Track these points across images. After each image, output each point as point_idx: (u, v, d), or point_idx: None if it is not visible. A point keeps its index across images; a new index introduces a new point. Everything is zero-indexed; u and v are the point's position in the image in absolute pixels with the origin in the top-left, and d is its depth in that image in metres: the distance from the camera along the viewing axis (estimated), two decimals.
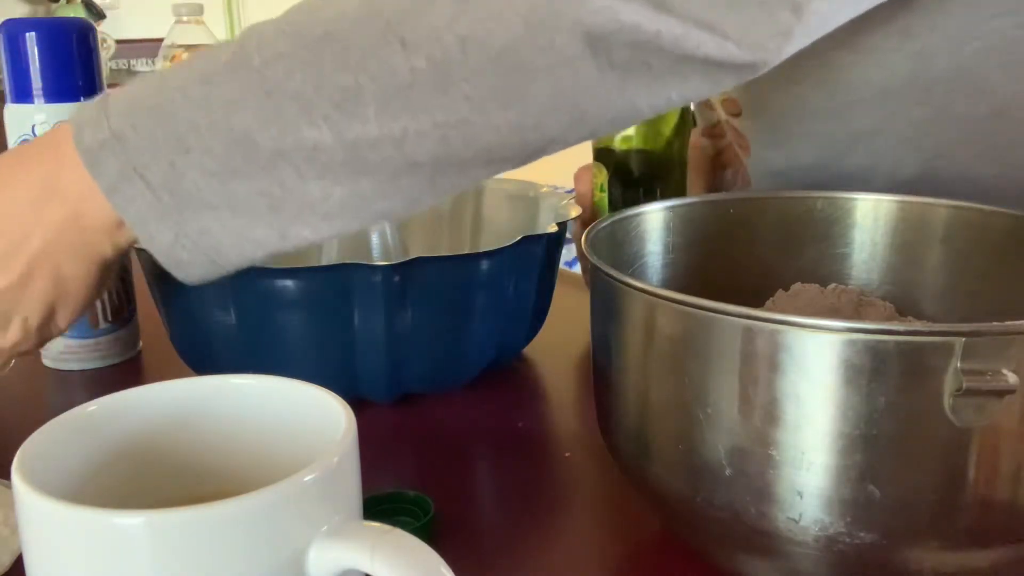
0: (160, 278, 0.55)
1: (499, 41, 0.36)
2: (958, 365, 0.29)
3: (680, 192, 0.64)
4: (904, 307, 0.47)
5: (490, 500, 0.45)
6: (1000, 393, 0.29)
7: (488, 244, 0.69)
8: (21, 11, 2.96)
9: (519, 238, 0.53)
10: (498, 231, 0.69)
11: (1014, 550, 0.32)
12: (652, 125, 0.63)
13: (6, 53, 0.58)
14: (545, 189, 0.67)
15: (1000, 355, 0.29)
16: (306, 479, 0.25)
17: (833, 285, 0.47)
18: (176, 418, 0.31)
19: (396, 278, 0.49)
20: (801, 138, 0.58)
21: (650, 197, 0.63)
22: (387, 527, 0.26)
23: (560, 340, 0.64)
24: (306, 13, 0.39)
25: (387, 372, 0.52)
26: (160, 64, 0.91)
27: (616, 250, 0.44)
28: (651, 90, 0.37)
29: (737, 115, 0.64)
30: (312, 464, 0.26)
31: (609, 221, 0.44)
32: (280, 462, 0.29)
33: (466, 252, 0.54)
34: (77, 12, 2.94)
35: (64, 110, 0.58)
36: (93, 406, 0.30)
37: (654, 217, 0.47)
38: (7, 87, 0.58)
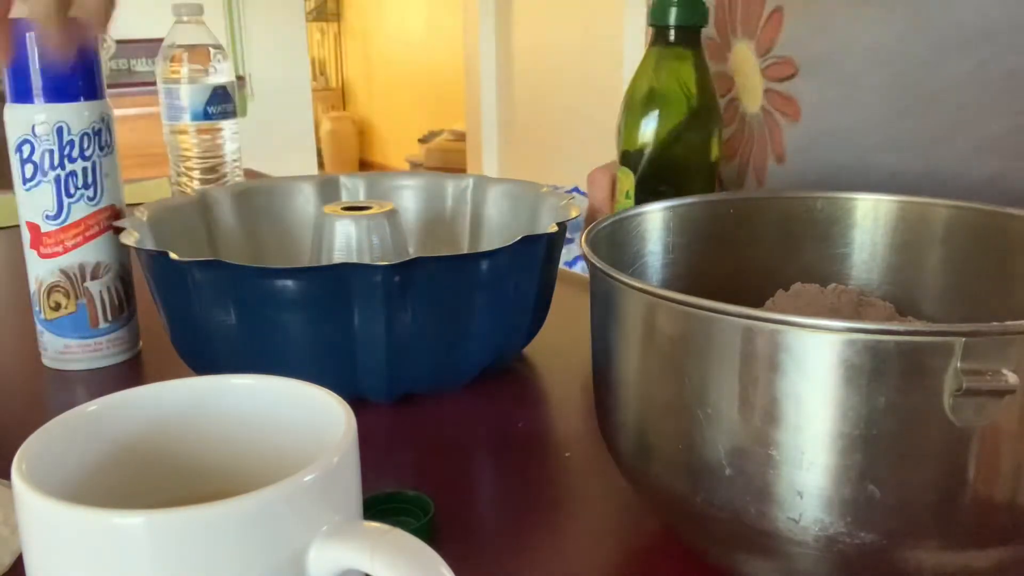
0: (159, 279, 0.55)
1: None
2: (958, 365, 0.29)
3: (710, 189, 0.62)
4: (904, 307, 0.47)
5: (490, 500, 0.45)
6: (1000, 393, 0.29)
7: (488, 244, 0.69)
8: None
9: (519, 238, 0.53)
10: (498, 231, 0.69)
11: (1014, 550, 0.32)
12: (676, 131, 0.61)
13: None
14: (545, 189, 0.67)
15: (1000, 355, 0.29)
16: (306, 479, 0.25)
17: (833, 285, 0.47)
18: (176, 418, 0.31)
19: (396, 278, 0.49)
20: (873, 91, 0.56)
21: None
22: (387, 527, 0.26)
23: (560, 340, 0.64)
24: None
25: (387, 372, 0.52)
26: (160, 64, 0.91)
27: (616, 250, 0.44)
28: None
29: (788, 78, 0.61)
30: (312, 464, 0.26)
31: (609, 221, 0.44)
32: (280, 462, 0.29)
33: (466, 252, 0.54)
34: None
35: (64, 110, 0.58)
36: (93, 406, 0.30)
37: (654, 217, 0.47)
38: (7, 87, 0.58)
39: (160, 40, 0.92)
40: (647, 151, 0.60)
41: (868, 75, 0.56)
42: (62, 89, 0.58)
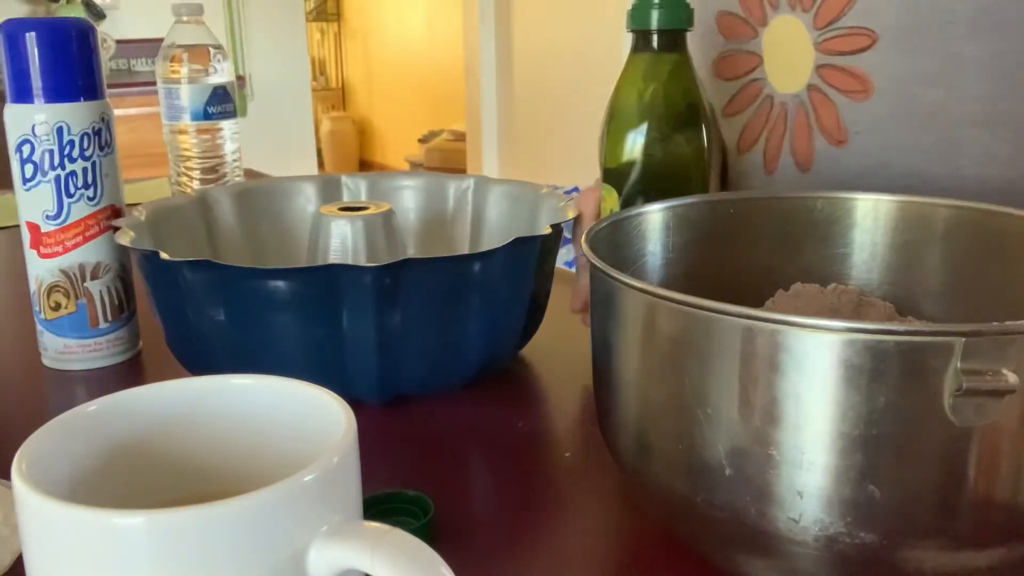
0: (151, 278, 0.55)
1: None
2: (958, 365, 0.29)
3: None
4: (904, 307, 0.47)
5: (490, 500, 0.45)
6: (1000, 393, 0.29)
7: (488, 245, 0.69)
8: (21, 11, 2.96)
9: (512, 239, 0.53)
10: (499, 232, 0.69)
11: (1014, 550, 0.32)
12: (667, 144, 0.56)
13: (6, 53, 0.58)
14: (545, 190, 0.67)
15: (1000, 355, 0.29)
16: (306, 479, 0.25)
17: (833, 285, 0.47)
18: (176, 418, 0.31)
19: (386, 279, 0.49)
20: (973, 63, 0.53)
21: None
22: (387, 527, 0.26)
23: (560, 340, 0.64)
24: None
25: (379, 374, 0.52)
26: (160, 64, 0.91)
27: (616, 250, 0.44)
28: None
29: (860, 51, 0.57)
30: (312, 464, 0.26)
31: (609, 221, 0.44)
32: (280, 462, 0.29)
33: (464, 253, 0.54)
34: (77, 12, 2.94)
35: (64, 110, 0.58)
36: (93, 406, 0.30)
37: (654, 217, 0.47)
38: (7, 87, 0.58)
39: (160, 40, 0.92)
40: (635, 167, 0.56)
41: (967, 44, 0.53)
42: (62, 89, 0.58)
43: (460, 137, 4.53)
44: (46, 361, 0.63)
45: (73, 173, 0.59)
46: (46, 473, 0.26)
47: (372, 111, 5.94)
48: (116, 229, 0.57)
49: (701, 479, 0.34)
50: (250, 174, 1.14)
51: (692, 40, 0.59)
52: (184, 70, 0.90)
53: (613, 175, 0.57)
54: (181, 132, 0.92)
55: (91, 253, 0.61)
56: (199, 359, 0.55)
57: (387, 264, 0.48)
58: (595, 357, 0.40)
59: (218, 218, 0.68)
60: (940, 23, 0.53)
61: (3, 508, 0.41)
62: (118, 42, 3.16)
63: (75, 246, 0.60)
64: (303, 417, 0.30)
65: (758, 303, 0.47)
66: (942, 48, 0.54)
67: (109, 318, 0.62)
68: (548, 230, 0.55)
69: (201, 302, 0.52)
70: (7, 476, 0.26)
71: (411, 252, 0.70)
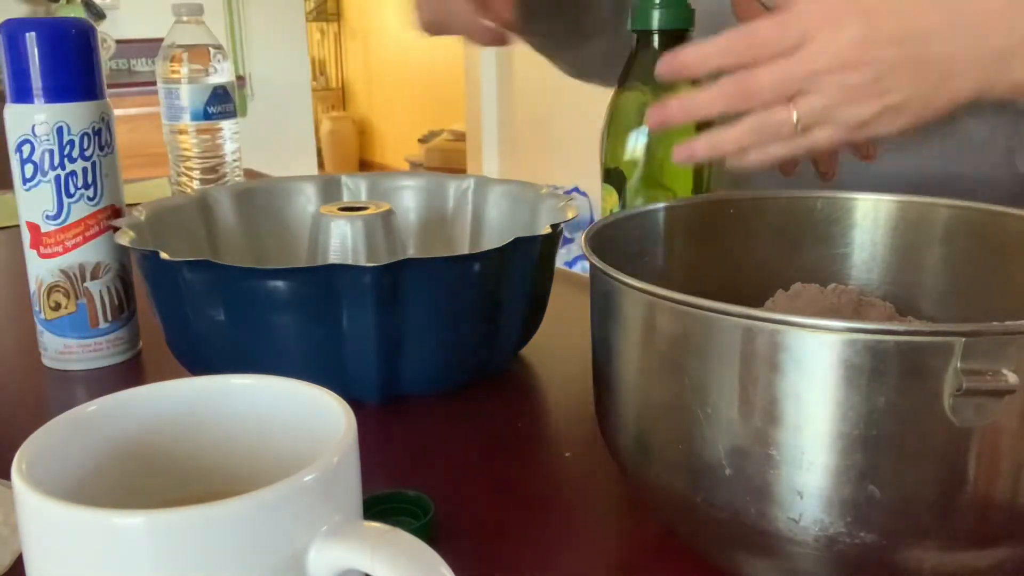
0: (151, 278, 0.55)
1: None
2: (958, 365, 0.29)
3: None
4: (904, 307, 0.47)
5: (490, 500, 0.45)
6: (1000, 393, 0.29)
7: (488, 245, 0.69)
8: (21, 11, 2.96)
9: (511, 240, 0.53)
10: (498, 232, 0.69)
11: (1014, 550, 0.32)
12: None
13: (6, 53, 0.58)
14: (545, 190, 0.67)
15: (1000, 355, 0.29)
16: (306, 479, 0.25)
17: (833, 285, 0.47)
18: (176, 418, 0.31)
19: (386, 279, 0.49)
20: None
21: None
22: (387, 527, 0.26)
23: (559, 340, 0.64)
24: None
25: (378, 374, 0.52)
26: (160, 64, 0.91)
27: (616, 250, 0.44)
28: None
29: None
30: (312, 464, 0.26)
31: (609, 221, 0.44)
32: (280, 462, 0.29)
33: (464, 253, 0.54)
34: (77, 12, 2.94)
35: (64, 110, 0.58)
36: (93, 406, 0.30)
37: (654, 217, 0.47)
38: (7, 87, 0.58)
39: (160, 40, 0.92)
40: (635, 167, 0.56)
41: None
42: (62, 89, 0.58)
43: (460, 137, 4.52)
44: (46, 361, 0.63)
45: (73, 173, 0.59)
46: (46, 473, 0.26)
47: (372, 111, 5.94)
48: (116, 229, 0.57)
49: (701, 479, 0.34)
50: (250, 174, 1.14)
51: (709, 17, 0.57)
52: (184, 70, 0.90)
53: (613, 175, 0.57)
54: (181, 132, 0.92)
55: (91, 253, 0.61)
56: (199, 359, 0.55)
57: (387, 264, 0.48)
58: (595, 357, 0.40)
59: (218, 218, 0.68)
60: None
61: (3, 508, 0.41)
62: (118, 42, 3.16)
63: (75, 246, 0.60)
64: (303, 417, 0.30)
65: (758, 303, 0.47)
66: None
67: (109, 318, 0.62)
68: (548, 230, 0.55)
69: (201, 302, 0.52)
70: (7, 476, 0.26)
71: (411, 252, 0.70)
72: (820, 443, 0.31)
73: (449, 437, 0.52)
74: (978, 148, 0.59)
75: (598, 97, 0.66)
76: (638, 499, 0.43)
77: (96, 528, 0.24)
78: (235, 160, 0.95)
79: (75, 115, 0.58)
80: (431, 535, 0.40)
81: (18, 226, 0.60)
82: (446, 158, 4.69)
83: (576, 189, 3.32)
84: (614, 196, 0.57)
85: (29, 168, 0.58)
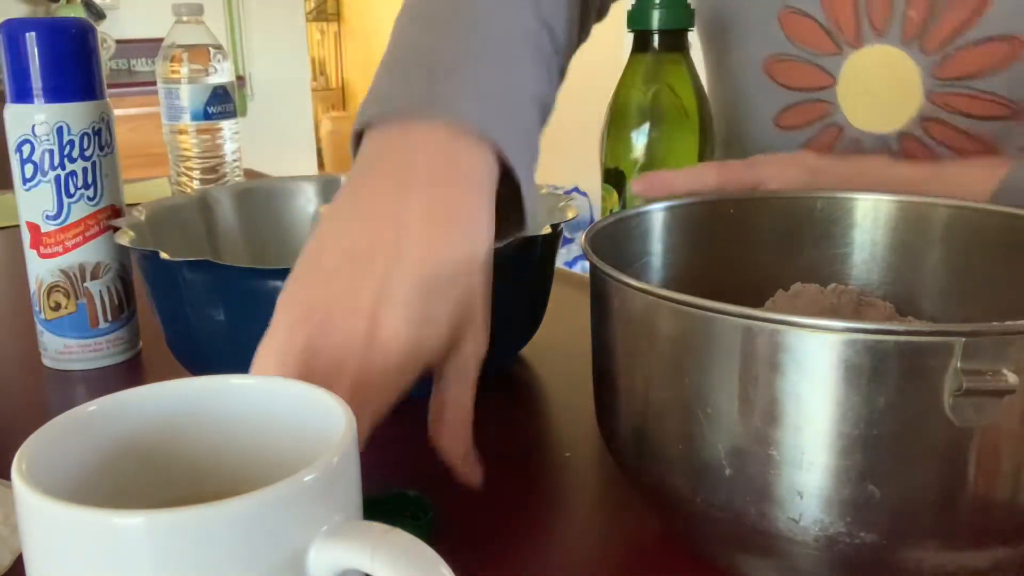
0: (151, 278, 0.55)
1: None
2: (958, 365, 0.29)
3: None
4: (904, 307, 0.47)
5: (490, 500, 0.45)
6: (1000, 393, 0.29)
7: None
8: (21, 11, 2.96)
9: (510, 239, 0.52)
10: None
11: (1014, 550, 0.32)
12: (668, 144, 0.56)
13: (6, 53, 0.58)
14: (545, 190, 0.67)
15: (1000, 355, 0.29)
16: (306, 479, 0.25)
17: (833, 285, 0.47)
18: (176, 418, 0.31)
19: None
20: None
21: None
22: (387, 527, 0.26)
23: (560, 340, 0.64)
24: None
25: None
26: (160, 64, 0.91)
27: (616, 250, 0.44)
28: None
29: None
30: (312, 464, 0.26)
31: (609, 221, 0.44)
32: (280, 462, 0.29)
33: None
34: (77, 12, 2.94)
35: (64, 110, 0.58)
36: (93, 406, 0.30)
37: (654, 217, 0.47)
38: (7, 87, 0.58)
39: (160, 40, 0.92)
40: (635, 167, 0.56)
41: None
42: (62, 89, 0.58)
43: None
44: (46, 361, 0.63)
45: (73, 173, 0.59)
46: (46, 473, 0.26)
47: None
48: (116, 229, 0.57)
49: (701, 479, 0.34)
50: (250, 174, 1.14)
51: (739, 22, 0.56)
52: (184, 70, 0.90)
53: (613, 175, 0.57)
54: (181, 132, 0.92)
55: (91, 253, 0.61)
56: (199, 359, 0.55)
57: None
58: (595, 357, 0.40)
59: (218, 218, 0.68)
60: None
61: (3, 508, 0.41)
62: (118, 42, 3.16)
63: (75, 246, 0.60)
64: (303, 417, 0.30)
65: (758, 303, 0.47)
66: None
67: (109, 318, 0.62)
68: (548, 230, 0.55)
69: (201, 302, 0.52)
70: (7, 476, 0.26)
71: None
72: (820, 443, 0.31)
73: None
74: None
75: (598, 97, 0.66)
76: (638, 499, 0.43)
77: (96, 528, 0.24)
78: (235, 160, 0.95)
79: (75, 115, 0.58)
80: (431, 535, 0.40)
81: (18, 226, 0.61)
82: None
83: (576, 189, 3.32)
84: (614, 196, 0.57)
85: (29, 168, 0.58)
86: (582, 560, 0.40)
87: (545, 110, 0.47)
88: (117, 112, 0.63)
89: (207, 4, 0.92)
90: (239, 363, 0.51)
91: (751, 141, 0.64)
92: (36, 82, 0.57)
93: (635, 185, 0.49)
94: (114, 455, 0.30)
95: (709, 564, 0.38)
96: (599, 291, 0.39)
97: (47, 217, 0.59)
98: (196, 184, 0.93)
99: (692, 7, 0.56)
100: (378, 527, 0.26)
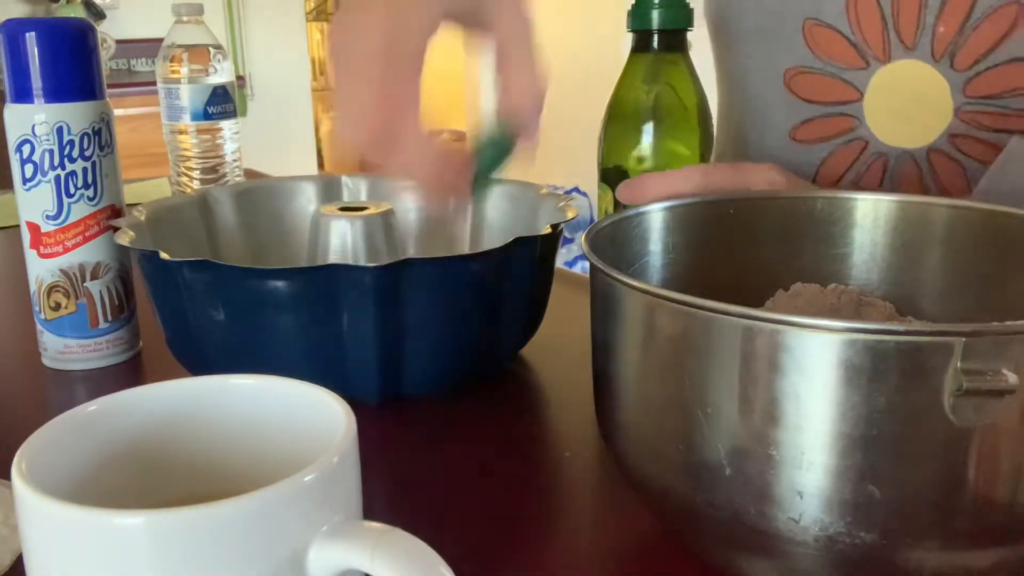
0: (151, 278, 0.55)
1: None
2: (958, 365, 0.29)
3: None
4: (904, 307, 0.47)
5: (490, 500, 0.45)
6: (1000, 393, 0.29)
7: (488, 245, 0.69)
8: (21, 11, 2.96)
9: (511, 240, 0.53)
10: (499, 232, 0.69)
11: (1014, 550, 0.32)
12: (669, 144, 0.56)
13: (6, 53, 0.58)
14: (545, 190, 0.67)
15: (1000, 355, 0.29)
16: (306, 479, 0.25)
17: (833, 285, 0.47)
18: (176, 418, 0.31)
19: (387, 279, 0.49)
20: None
21: None
22: (387, 527, 0.26)
23: (559, 340, 0.64)
24: None
25: (378, 374, 0.52)
26: (160, 64, 0.91)
27: (616, 250, 0.44)
28: None
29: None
30: (312, 464, 0.26)
31: (609, 221, 0.44)
32: (280, 462, 0.29)
33: (464, 253, 0.54)
34: (77, 12, 2.94)
35: (64, 110, 0.58)
36: (93, 406, 0.30)
37: (654, 217, 0.47)
38: (7, 87, 0.58)
39: (160, 40, 0.92)
40: (635, 166, 0.56)
41: None
42: (62, 89, 0.58)
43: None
44: (46, 361, 0.63)
45: (73, 173, 0.59)
46: (46, 473, 0.26)
47: None
48: (116, 229, 0.57)
49: (701, 479, 0.34)
50: (250, 174, 1.14)
51: (759, 33, 0.55)
52: (184, 70, 0.90)
53: (613, 175, 0.57)
54: (181, 132, 0.92)
55: (91, 253, 0.61)
56: (199, 359, 0.55)
57: (387, 264, 0.48)
58: (595, 357, 0.40)
59: (218, 218, 0.68)
60: None
61: (3, 508, 0.41)
62: (118, 42, 3.16)
63: (75, 246, 0.60)
64: (303, 417, 0.30)
65: (758, 303, 0.47)
66: None
67: (109, 318, 0.62)
68: (548, 230, 0.55)
69: (201, 302, 0.52)
70: (7, 476, 0.26)
71: (411, 252, 0.70)
72: (820, 443, 0.31)
73: (448, 437, 0.52)
74: None
75: (597, 97, 0.66)
76: (638, 499, 0.43)
77: (96, 528, 0.24)
78: (235, 160, 0.95)
79: (75, 115, 0.58)
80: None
81: (18, 226, 0.61)
82: None
83: (576, 189, 3.33)
84: (609, 195, 0.57)
85: (29, 168, 0.58)
86: (582, 560, 0.40)
87: None
88: (117, 112, 0.63)
89: (207, 4, 0.92)
90: (239, 363, 0.51)
91: (765, 152, 0.62)
92: (36, 82, 0.57)
93: (620, 192, 0.48)
94: (114, 455, 0.30)
95: (709, 564, 0.38)
96: (599, 291, 0.39)
97: (47, 217, 0.59)
98: (196, 184, 0.93)
99: (692, 8, 0.56)
100: (378, 527, 0.26)
